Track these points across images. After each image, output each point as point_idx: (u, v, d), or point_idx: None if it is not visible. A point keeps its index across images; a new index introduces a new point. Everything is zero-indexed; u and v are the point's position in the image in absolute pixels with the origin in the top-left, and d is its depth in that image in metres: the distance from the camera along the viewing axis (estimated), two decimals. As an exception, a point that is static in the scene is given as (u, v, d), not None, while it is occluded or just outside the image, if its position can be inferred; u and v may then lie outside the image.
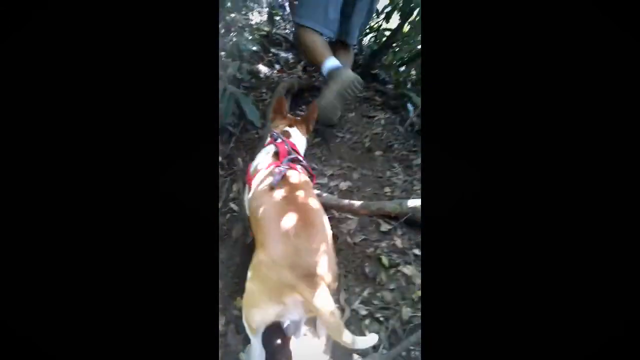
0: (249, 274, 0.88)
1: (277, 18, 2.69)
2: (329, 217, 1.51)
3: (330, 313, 0.74)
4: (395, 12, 2.36)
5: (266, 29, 2.43)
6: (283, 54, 2.61)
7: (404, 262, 1.38)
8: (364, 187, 1.65)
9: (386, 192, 1.60)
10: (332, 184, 1.67)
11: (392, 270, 1.36)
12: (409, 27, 2.30)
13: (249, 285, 0.86)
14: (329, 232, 0.92)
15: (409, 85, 2.34)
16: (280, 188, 0.95)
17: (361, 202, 1.31)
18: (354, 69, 2.43)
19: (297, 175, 1.04)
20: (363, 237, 1.44)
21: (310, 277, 0.75)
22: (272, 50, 2.55)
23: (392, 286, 1.32)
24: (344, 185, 1.65)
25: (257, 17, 2.79)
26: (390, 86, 2.63)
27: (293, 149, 1.17)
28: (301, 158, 1.16)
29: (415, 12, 2.14)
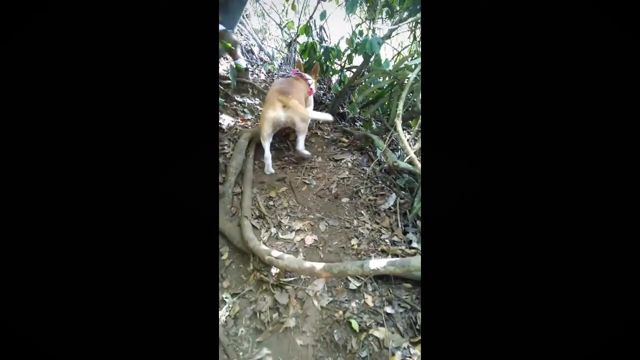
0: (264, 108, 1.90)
1: (242, 65, 2.71)
2: (292, 279, 1.42)
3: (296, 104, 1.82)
4: (357, 53, 2.41)
5: (229, 80, 2.43)
6: (249, 101, 2.60)
7: (376, 324, 1.28)
8: (330, 240, 1.58)
9: (353, 245, 1.53)
10: (297, 238, 1.59)
11: (363, 335, 1.26)
12: (372, 64, 2.34)
13: (262, 114, 1.91)
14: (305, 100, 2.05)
15: (373, 126, 2.35)
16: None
17: (323, 264, 1.23)
18: (322, 108, 2.43)
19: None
20: (331, 298, 1.35)
21: (287, 94, 1.86)
22: (237, 98, 2.54)
23: (364, 354, 1.21)
24: (309, 239, 1.58)
25: (220, 68, 2.81)
26: (358, 124, 2.63)
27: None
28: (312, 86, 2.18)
29: (377, 51, 2.17)
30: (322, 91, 2.95)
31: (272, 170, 1.97)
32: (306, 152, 2.04)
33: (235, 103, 2.48)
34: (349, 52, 2.53)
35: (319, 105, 2.72)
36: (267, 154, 1.92)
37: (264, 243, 1.53)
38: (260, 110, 2.52)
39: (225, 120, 2.23)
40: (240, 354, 1.23)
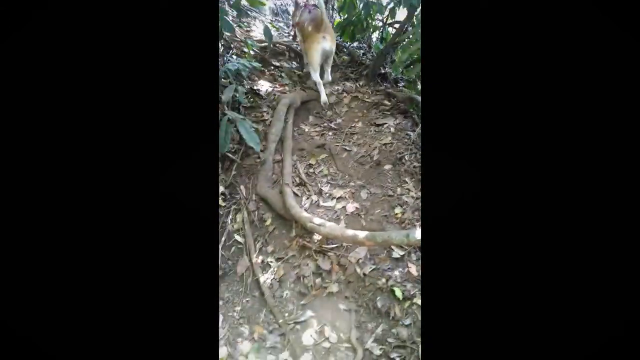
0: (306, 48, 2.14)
1: (276, 28, 2.60)
2: (334, 246, 1.43)
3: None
4: (401, 6, 2.19)
5: (265, 42, 2.35)
6: (286, 65, 2.52)
7: (420, 293, 1.26)
8: (372, 208, 1.54)
9: (396, 214, 1.48)
10: (339, 206, 1.57)
11: (407, 303, 1.25)
12: (416, 21, 2.12)
13: (307, 47, 2.10)
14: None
15: (418, 87, 2.18)
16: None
17: (366, 233, 1.21)
18: (362, 68, 2.31)
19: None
20: (373, 266, 1.34)
21: (320, 25, 2.02)
22: (274, 62, 2.47)
23: (407, 321, 1.21)
24: (351, 207, 1.55)
25: (255, 31, 2.72)
26: (401, 85, 2.47)
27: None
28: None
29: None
30: (361, 50, 2.78)
31: (326, 99, 2.12)
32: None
33: (272, 67, 2.42)
34: (391, 5, 2.32)
35: (359, 66, 2.57)
36: (318, 80, 2.10)
37: (306, 210, 1.53)
38: (298, 74, 2.44)
39: (263, 86, 2.19)
40: (286, 314, 1.29)
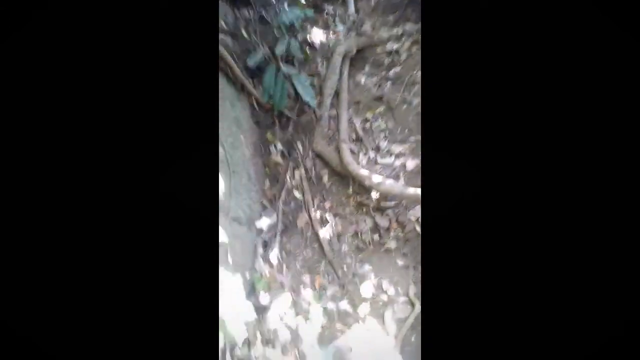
0: None
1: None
2: (393, 204, 1.40)
3: None
4: None
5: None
6: (339, 10, 2.34)
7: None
8: (434, 164, 1.46)
9: (461, 171, 1.39)
10: (398, 163, 1.52)
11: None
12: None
13: None
14: None
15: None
16: None
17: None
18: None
19: None
20: (434, 225, 1.31)
21: None
22: (327, 7, 2.30)
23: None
24: (411, 164, 1.49)
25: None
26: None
27: None
28: None
29: None
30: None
31: None
32: None
33: (325, 14, 2.26)
34: None
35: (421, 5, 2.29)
36: None
37: (363, 167, 1.51)
38: (352, 19, 2.25)
39: (317, 35, 2.08)
40: (344, 267, 1.34)
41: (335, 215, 1.47)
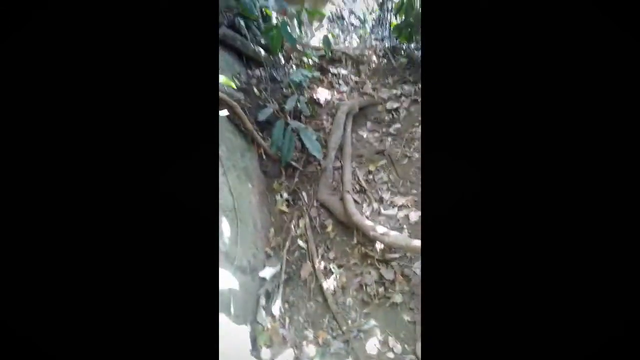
0: None
1: (333, 35, 2.64)
2: (398, 256, 1.41)
3: None
4: None
5: (323, 50, 2.40)
6: (343, 71, 2.55)
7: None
8: (437, 217, 1.49)
9: (464, 225, 1.42)
10: (401, 214, 1.55)
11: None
12: None
13: None
14: None
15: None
16: None
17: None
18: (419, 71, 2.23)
19: None
20: (439, 278, 1.30)
21: None
22: (332, 69, 2.51)
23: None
24: (414, 216, 1.52)
25: (314, 39, 2.79)
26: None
27: None
28: None
29: None
30: (419, 52, 2.70)
31: None
32: None
33: (330, 75, 2.46)
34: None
35: (417, 68, 2.51)
36: None
37: (367, 218, 1.54)
38: (355, 80, 2.45)
39: (322, 94, 2.25)
40: (349, 322, 1.30)
41: (339, 266, 1.46)
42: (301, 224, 1.64)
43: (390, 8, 3.03)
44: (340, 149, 1.89)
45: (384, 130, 2.05)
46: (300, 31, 2.64)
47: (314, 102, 2.16)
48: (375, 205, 1.63)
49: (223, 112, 1.54)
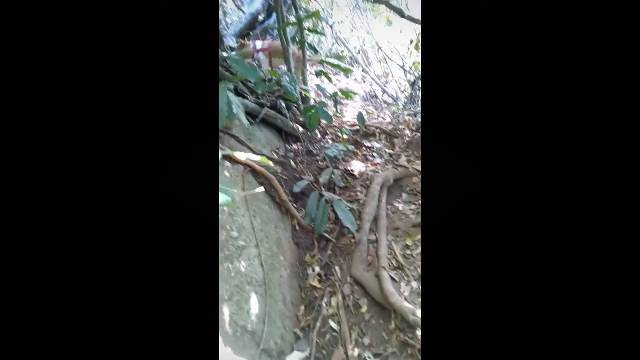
0: None
1: (367, 112, 2.80)
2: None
3: None
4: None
5: (357, 125, 2.53)
6: (377, 145, 2.63)
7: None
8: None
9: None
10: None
11: None
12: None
13: None
14: None
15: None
16: None
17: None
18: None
19: None
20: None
21: None
22: (366, 143, 2.60)
23: None
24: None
25: (347, 115, 2.97)
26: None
27: None
28: None
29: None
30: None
31: None
32: None
33: (364, 148, 2.54)
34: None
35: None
36: None
37: (406, 299, 1.40)
38: (389, 152, 2.50)
39: (356, 166, 2.29)
40: None
41: (375, 355, 1.30)
42: (333, 302, 1.53)
43: (420, 86, 3.20)
44: (375, 221, 1.84)
45: (419, 202, 1.99)
46: (337, 109, 2.84)
47: (348, 174, 2.19)
48: (415, 284, 1.50)
49: (260, 189, 1.60)
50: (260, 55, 2.74)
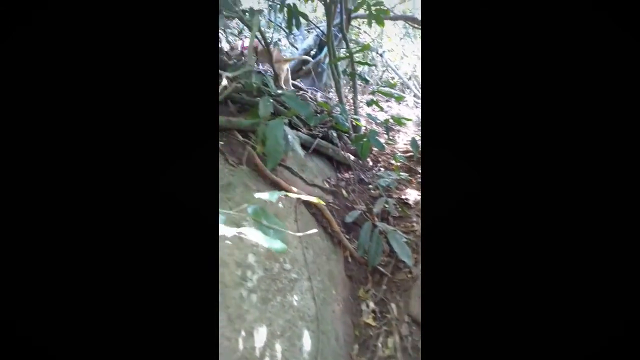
0: None
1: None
2: None
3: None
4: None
5: (411, 152, 2.45)
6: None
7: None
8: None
9: None
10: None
11: None
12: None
13: None
14: None
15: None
16: None
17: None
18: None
19: None
20: None
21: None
22: (419, 170, 2.50)
23: None
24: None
25: (399, 142, 2.91)
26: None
27: None
28: None
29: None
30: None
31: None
32: None
33: (418, 176, 2.44)
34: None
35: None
36: None
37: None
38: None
39: (411, 195, 2.19)
40: None
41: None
42: (390, 342, 1.42)
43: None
44: (434, 254, 1.71)
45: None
46: (388, 136, 2.80)
47: (402, 203, 2.10)
48: (483, 328, 1.33)
49: (314, 230, 1.59)
50: (246, 53, 2.82)
